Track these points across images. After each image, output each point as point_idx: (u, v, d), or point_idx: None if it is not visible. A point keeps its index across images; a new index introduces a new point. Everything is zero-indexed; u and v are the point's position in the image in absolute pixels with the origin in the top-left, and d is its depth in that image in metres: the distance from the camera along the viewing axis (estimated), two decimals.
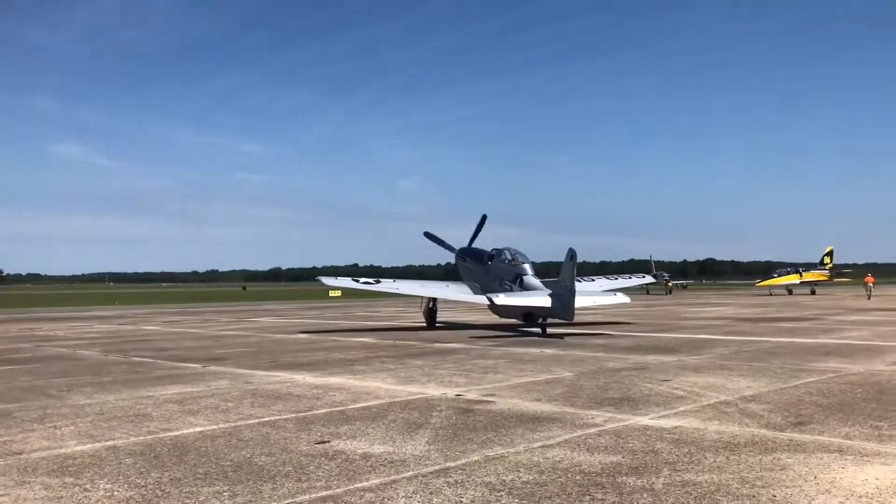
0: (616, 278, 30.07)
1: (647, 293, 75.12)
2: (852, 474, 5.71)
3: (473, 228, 28.44)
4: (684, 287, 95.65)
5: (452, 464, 6.16)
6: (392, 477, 5.76)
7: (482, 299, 23.84)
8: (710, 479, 5.59)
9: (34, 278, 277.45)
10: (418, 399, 9.61)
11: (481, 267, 25.70)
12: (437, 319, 26.25)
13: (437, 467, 6.05)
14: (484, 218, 28.66)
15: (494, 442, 6.98)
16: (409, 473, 5.86)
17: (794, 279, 66.94)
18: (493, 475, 5.78)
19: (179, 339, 21.31)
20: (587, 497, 5.18)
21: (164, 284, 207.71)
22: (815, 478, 5.62)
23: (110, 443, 7.14)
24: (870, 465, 5.97)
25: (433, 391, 10.27)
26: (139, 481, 5.72)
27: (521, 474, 5.80)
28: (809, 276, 68.60)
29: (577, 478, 5.68)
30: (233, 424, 7.99)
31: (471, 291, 24.91)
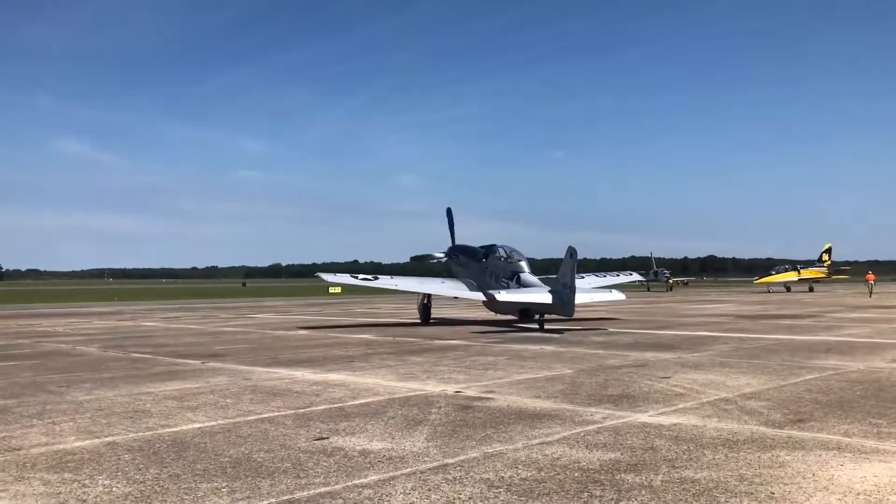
0: (605, 275, 30.37)
1: (648, 290, 75.15)
2: (851, 472, 5.71)
3: (448, 225, 29.15)
4: (685, 284, 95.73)
5: (451, 460, 6.16)
6: (391, 474, 5.76)
7: (478, 295, 24.46)
8: (709, 477, 5.59)
9: (33, 274, 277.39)
10: (417, 396, 9.61)
11: (476, 264, 25.99)
12: (432, 316, 26.44)
13: (435, 464, 6.05)
14: (449, 211, 29.57)
15: (493, 439, 6.98)
16: (408, 470, 5.86)
17: (792, 276, 66.96)
18: (491, 472, 5.78)
19: (179, 335, 21.32)
20: (585, 494, 5.18)
21: (164, 281, 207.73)
22: (814, 475, 5.62)
23: (109, 439, 7.14)
24: (868, 463, 5.97)
25: (432, 388, 10.27)
26: (138, 477, 5.72)
27: (519, 471, 5.80)
28: (808, 274, 68.63)
29: (576, 475, 5.68)
30: (232, 421, 7.99)
31: (466, 288, 25.27)
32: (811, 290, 65.59)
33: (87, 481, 5.63)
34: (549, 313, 21.66)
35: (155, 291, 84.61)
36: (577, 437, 7.00)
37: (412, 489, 5.33)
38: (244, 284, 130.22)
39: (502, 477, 5.63)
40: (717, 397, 9.23)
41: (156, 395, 9.84)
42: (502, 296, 22.38)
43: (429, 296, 26.05)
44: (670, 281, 78.91)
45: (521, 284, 23.27)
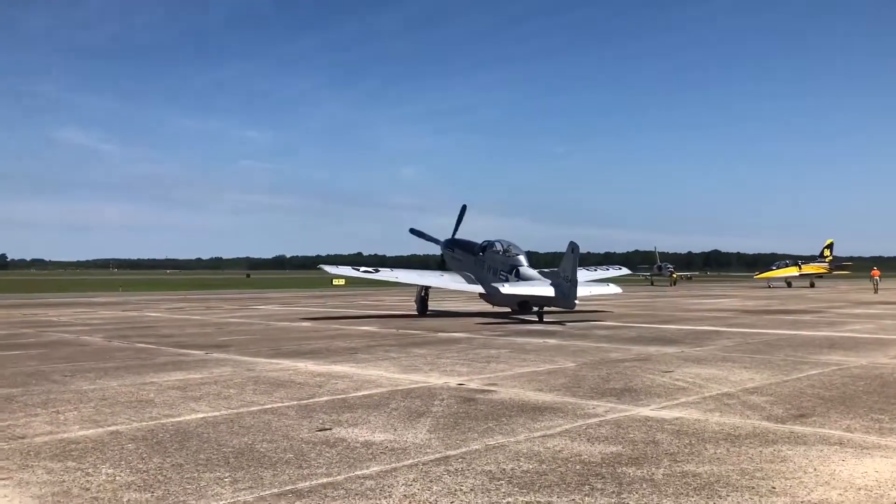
0: (595, 269, 30.78)
1: (652, 284, 75.10)
2: (852, 467, 5.71)
3: (456, 220, 29.38)
4: (689, 278, 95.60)
5: (453, 452, 6.18)
6: (393, 465, 5.78)
7: (476, 288, 25.35)
8: (710, 471, 5.59)
9: (38, 264, 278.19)
10: (420, 388, 9.63)
11: (472, 258, 26.63)
12: (429, 308, 26.99)
13: (437, 455, 6.06)
14: (464, 208, 29.70)
15: (495, 431, 6.99)
16: (410, 461, 5.88)
17: (793, 272, 66.62)
18: (493, 464, 5.80)
19: (183, 325, 21.38)
20: (587, 486, 5.20)
21: (168, 271, 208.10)
22: (815, 470, 5.62)
23: (113, 428, 7.17)
24: (870, 458, 5.97)
25: (435, 380, 10.29)
26: (141, 466, 5.75)
27: (521, 463, 5.81)
28: (809, 269, 68.29)
29: (577, 467, 5.69)
30: (235, 411, 8.01)
31: (464, 281, 25.92)
32: (812, 285, 65.37)
33: (90, 470, 5.65)
34: (552, 306, 22.26)
35: (159, 282, 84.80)
36: (579, 431, 7.01)
37: (414, 480, 5.35)
38: (248, 276, 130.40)
39: (504, 469, 5.65)
40: (719, 392, 9.24)
41: (159, 385, 9.88)
42: (506, 289, 23.06)
43: (427, 288, 26.58)
44: (674, 275, 78.84)
45: (521, 278, 23.89)
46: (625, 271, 35.29)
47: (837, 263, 73.61)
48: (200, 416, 7.77)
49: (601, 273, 30.35)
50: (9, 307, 32.20)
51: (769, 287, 61.70)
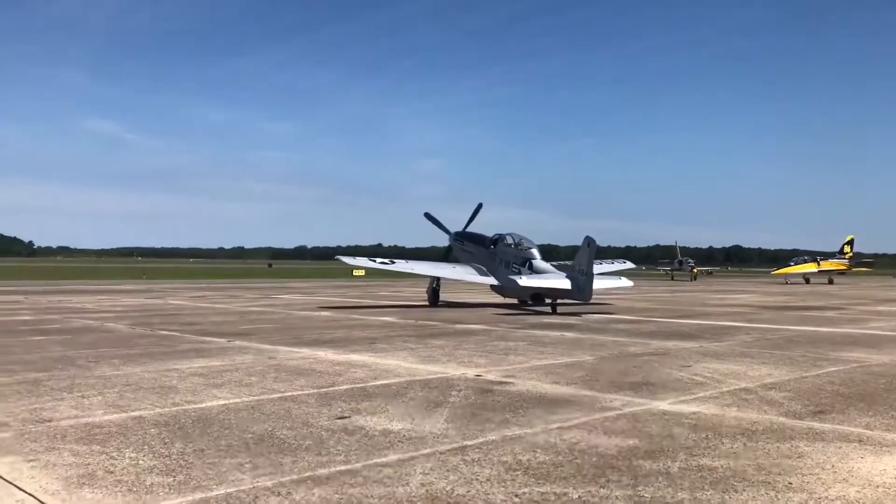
0: (601, 263, 31.00)
1: (672, 279, 74.67)
2: (871, 464, 5.70)
3: (470, 215, 29.84)
4: (709, 273, 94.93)
5: (470, 442, 6.23)
6: (410, 453, 5.85)
7: (489, 280, 26.18)
8: (727, 465, 5.61)
9: (64, 251, 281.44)
10: (438, 378, 9.69)
11: (484, 251, 27.24)
12: (441, 299, 27.66)
13: (454, 445, 6.12)
14: (479, 206, 30.22)
15: (512, 422, 7.04)
16: (427, 450, 5.94)
17: (811, 268, 65.55)
18: (509, 455, 5.84)
19: (205, 313, 21.60)
20: (602, 479, 5.23)
21: (192, 260, 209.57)
22: (833, 466, 5.62)
23: (136, 413, 7.30)
24: (889, 456, 5.96)
25: (453, 371, 10.35)
26: (163, 451, 5.86)
27: (537, 455, 5.86)
28: (827, 265, 67.17)
29: (593, 460, 5.73)
30: (256, 398, 8.12)
31: (477, 273, 26.58)
32: (831, 282, 64.37)
33: (114, 454, 5.77)
34: (568, 299, 22.94)
35: (182, 270, 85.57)
36: (596, 423, 7.04)
37: (431, 469, 5.41)
38: (270, 265, 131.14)
39: (520, 460, 5.69)
40: (737, 387, 9.22)
41: (182, 372, 10.02)
42: (524, 281, 23.72)
43: (438, 279, 27.18)
44: (694, 270, 78.23)
45: (534, 270, 24.60)
46: (628, 265, 35.40)
47: (858, 260, 72.50)
48: (222, 402, 7.88)
49: (606, 267, 30.84)
50: (36, 293, 32.68)
51: (786, 283, 60.99)
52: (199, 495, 4.79)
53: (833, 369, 10.93)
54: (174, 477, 5.17)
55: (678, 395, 8.59)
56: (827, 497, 4.89)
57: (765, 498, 4.85)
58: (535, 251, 25.82)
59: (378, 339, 14.56)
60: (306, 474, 5.25)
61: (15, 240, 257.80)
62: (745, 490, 5.00)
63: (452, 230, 29.79)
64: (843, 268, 69.41)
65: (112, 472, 5.26)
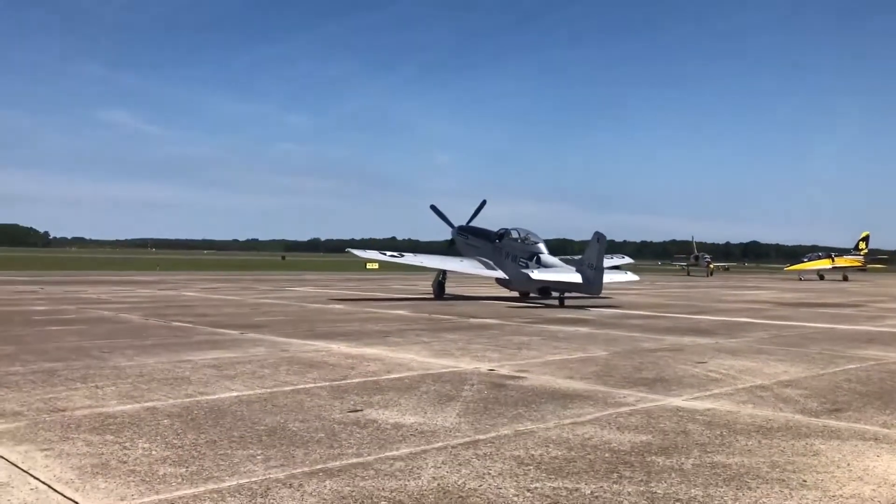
0: None
1: (688, 274, 74.31)
2: (887, 462, 5.64)
3: (474, 211, 30.29)
4: (726, 269, 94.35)
5: (482, 437, 6.21)
6: (422, 447, 5.84)
7: (495, 273, 26.93)
8: (741, 462, 5.56)
9: (79, 242, 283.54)
10: (451, 372, 9.68)
11: (489, 245, 27.76)
12: (446, 292, 28.20)
13: (466, 439, 6.11)
14: (483, 202, 30.65)
15: (525, 417, 7.01)
16: (439, 444, 5.93)
17: (825, 264, 64.93)
18: (521, 449, 5.82)
19: (218, 305, 21.69)
20: (615, 474, 5.20)
21: (205, 252, 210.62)
22: (848, 465, 5.56)
23: (149, 404, 7.33)
24: None
25: (466, 365, 10.33)
26: (176, 442, 5.87)
27: (550, 449, 5.83)
28: (842, 262, 66.52)
29: (606, 455, 5.70)
30: (268, 390, 8.14)
31: (483, 267, 27.17)
32: (845, 279, 63.76)
33: (127, 444, 5.80)
34: (578, 292, 23.61)
35: (196, 262, 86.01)
36: (609, 419, 7.01)
37: (443, 463, 5.40)
38: (283, 258, 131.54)
39: (532, 455, 5.67)
40: (752, 384, 9.15)
41: (195, 364, 10.06)
42: (536, 274, 24.30)
43: (444, 272, 27.65)
44: (710, 266, 77.81)
45: (542, 264, 25.15)
46: (628, 260, 35.51)
47: (873, 257, 71.75)
48: (235, 394, 7.91)
49: (606, 261, 30.97)
50: (51, 284, 32.94)
51: (800, 280, 60.48)
52: (211, 486, 4.80)
53: (850, 367, 10.83)
54: (187, 468, 5.19)
55: (693, 392, 8.53)
56: (841, 495, 4.84)
57: (778, 495, 4.81)
58: (541, 245, 26.39)
59: (391, 333, 14.57)
60: (318, 467, 5.25)
61: (31, 230, 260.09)
62: (758, 487, 4.96)
63: (456, 224, 30.24)
64: (858, 264, 68.74)
65: (125, 462, 5.28)
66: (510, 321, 17.78)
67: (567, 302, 23.87)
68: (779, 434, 6.50)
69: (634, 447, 5.95)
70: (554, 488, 4.87)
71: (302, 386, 8.46)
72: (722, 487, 4.95)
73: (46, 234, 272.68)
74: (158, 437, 6.00)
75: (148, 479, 4.91)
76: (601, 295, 24.42)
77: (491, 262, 27.06)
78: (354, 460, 5.43)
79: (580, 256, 24.80)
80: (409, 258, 27.81)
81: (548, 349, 12.35)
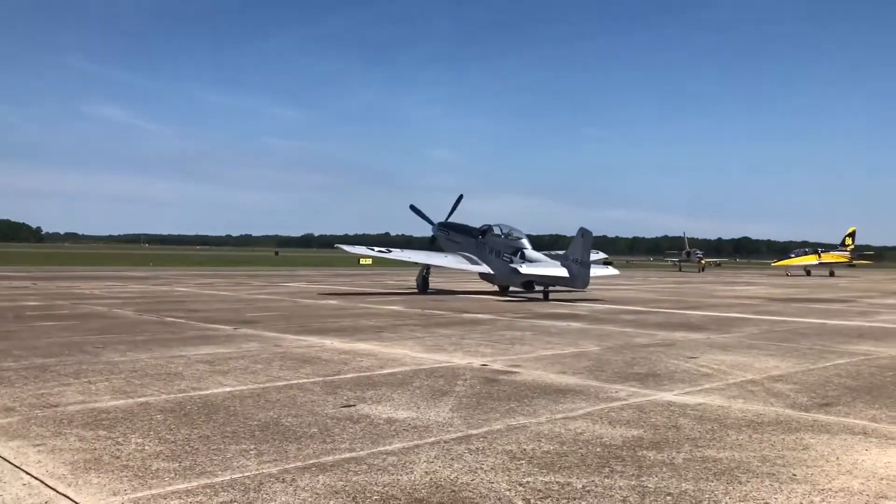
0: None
1: (680, 270, 74.53)
2: (876, 456, 5.69)
3: (451, 206, 30.86)
4: (717, 265, 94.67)
5: (475, 431, 6.24)
6: (415, 442, 5.86)
7: (479, 268, 27.57)
8: (731, 457, 5.60)
9: (72, 238, 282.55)
10: (444, 367, 9.70)
11: (472, 241, 28.46)
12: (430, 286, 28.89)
13: (459, 434, 6.13)
14: (460, 197, 31.28)
15: (517, 412, 7.04)
16: (432, 439, 5.96)
17: (812, 260, 65.27)
18: (514, 444, 5.85)
19: (211, 301, 21.66)
20: (606, 469, 5.23)
21: (198, 247, 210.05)
22: (838, 459, 5.61)
23: (142, 399, 7.33)
24: (894, 448, 5.94)
25: (459, 360, 10.36)
26: (169, 437, 5.88)
27: (542, 444, 5.86)
28: (828, 258, 66.88)
29: (598, 450, 5.73)
30: (261, 386, 8.15)
31: (467, 262, 27.79)
32: (832, 274, 64.18)
33: (120, 439, 5.80)
34: (565, 286, 24.58)
35: (189, 258, 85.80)
36: (601, 413, 7.04)
37: (435, 458, 5.42)
38: (276, 253, 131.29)
39: (525, 449, 5.70)
40: (743, 379, 9.20)
41: (188, 359, 10.05)
42: (525, 269, 25.09)
43: (428, 267, 28.27)
44: (702, 261, 78.09)
45: (526, 259, 25.87)
46: (601, 255, 36.00)
47: (859, 253, 72.07)
48: (228, 389, 7.91)
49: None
50: (44, 279, 32.82)
51: (787, 275, 60.72)
52: (204, 481, 4.81)
53: (840, 362, 10.90)
54: (180, 462, 5.20)
55: (684, 387, 8.58)
56: (830, 489, 4.88)
57: (768, 489, 4.85)
58: (525, 241, 27.13)
59: (384, 328, 14.58)
60: (311, 461, 5.27)
61: (23, 226, 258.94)
62: (749, 481, 5.00)
63: (436, 221, 30.79)
64: (845, 260, 69.09)
65: (118, 458, 5.29)
66: (503, 316, 17.81)
67: (551, 296, 24.77)
68: (769, 428, 6.54)
69: (626, 442, 5.99)
70: (546, 482, 4.90)
71: (295, 381, 8.47)
72: (713, 481, 4.99)
73: (39, 229, 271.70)
74: (151, 433, 6.00)
75: (141, 474, 4.92)
76: (590, 290, 24.91)
77: (475, 258, 27.70)
78: (347, 455, 5.45)
79: (564, 251, 25.69)
80: (397, 254, 28.35)
81: (540, 344, 12.38)
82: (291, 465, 5.17)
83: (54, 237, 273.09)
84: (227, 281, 34.78)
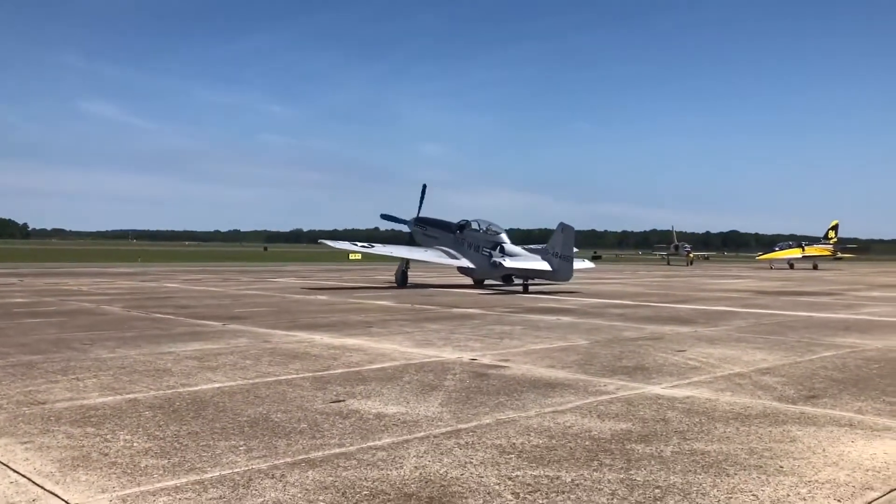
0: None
1: (668, 264, 74.78)
2: (861, 448, 5.74)
3: (419, 198, 31.24)
4: (706, 258, 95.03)
5: (464, 426, 6.25)
6: (404, 437, 5.87)
7: (458, 262, 28.12)
8: (719, 449, 5.64)
9: (59, 234, 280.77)
10: (433, 362, 9.71)
11: (450, 236, 28.82)
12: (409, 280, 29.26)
13: (448, 429, 6.14)
14: (424, 188, 31.56)
15: (506, 406, 7.06)
16: (421, 434, 5.97)
17: (795, 253, 65.73)
18: (503, 438, 5.87)
19: (200, 297, 21.59)
20: (595, 462, 5.26)
21: (187, 243, 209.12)
22: (824, 450, 5.65)
23: (131, 396, 7.31)
24: (879, 440, 6.00)
25: (448, 355, 10.37)
26: (158, 433, 5.87)
27: (531, 438, 5.88)
28: (812, 251, 67.41)
29: (587, 443, 5.75)
30: (251, 382, 8.13)
31: (446, 256, 28.27)
32: (815, 267, 64.63)
33: (108, 436, 5.78)
34: (546, 279, 25.46)
35: (178, 253, 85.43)
36: (590, 407, 7.07)
37: (425, 452, 5.43)
38: (266, 249, 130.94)
39: (514, 443, 5.72)
40: (731, 372, 9.26)
41: (177, 355, 10.02)
42: (508, 262, 25.80)
43: (408, 262, 28.63)
44: (690, 255, 78.36)
45: (507, 254, 26.47)
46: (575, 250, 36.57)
47: (842, 246, 72.56)
48: (217, 385, 7.90)
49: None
50: (31, 276, 32.62)
51: (770, 268, 61.07)
52: (193, 477, 4.80)
53: (827, 354, 10.98)
54: (169, 459, 5.19)
55: (672, 380, 8.62)
56: (816, 480, 4.92)
57: (755, 481, 4.88)
58: (503, 235, 27.69)
59: (374, 323, 14.58)
60: (300, 457, 5.27)
61: (9, 222, 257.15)
62: (736, 474, 5.03)
63: (410, 217, 31.07)
64: (828, 253, 69.60)
65: (106, 455, 5.27)
66: (492, 311, 17.84)
67: (531, 288, 25.60)
68: (756, 421, 6.59)
69: (615, 435, 6.02)
70: (535, 476, 4.92)
71: (284, 377, 8.46)
72: (701, 474, 5.02)
73: (25, 225, 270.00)
74: (140, 429, 5.99)
75: (129, 471, 4.91)
76: (577, 284, 25.21)
77: (454, 252, 28.14)
78: (337, 450, 5.45)
79: (543, 245, 26.11)
80: (379, 248, 28.84)
81: (530, 338, 12.41)
82: (281, 461, 5.17)
83: (41, 233, 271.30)
84: (215, 276, 34.66)
